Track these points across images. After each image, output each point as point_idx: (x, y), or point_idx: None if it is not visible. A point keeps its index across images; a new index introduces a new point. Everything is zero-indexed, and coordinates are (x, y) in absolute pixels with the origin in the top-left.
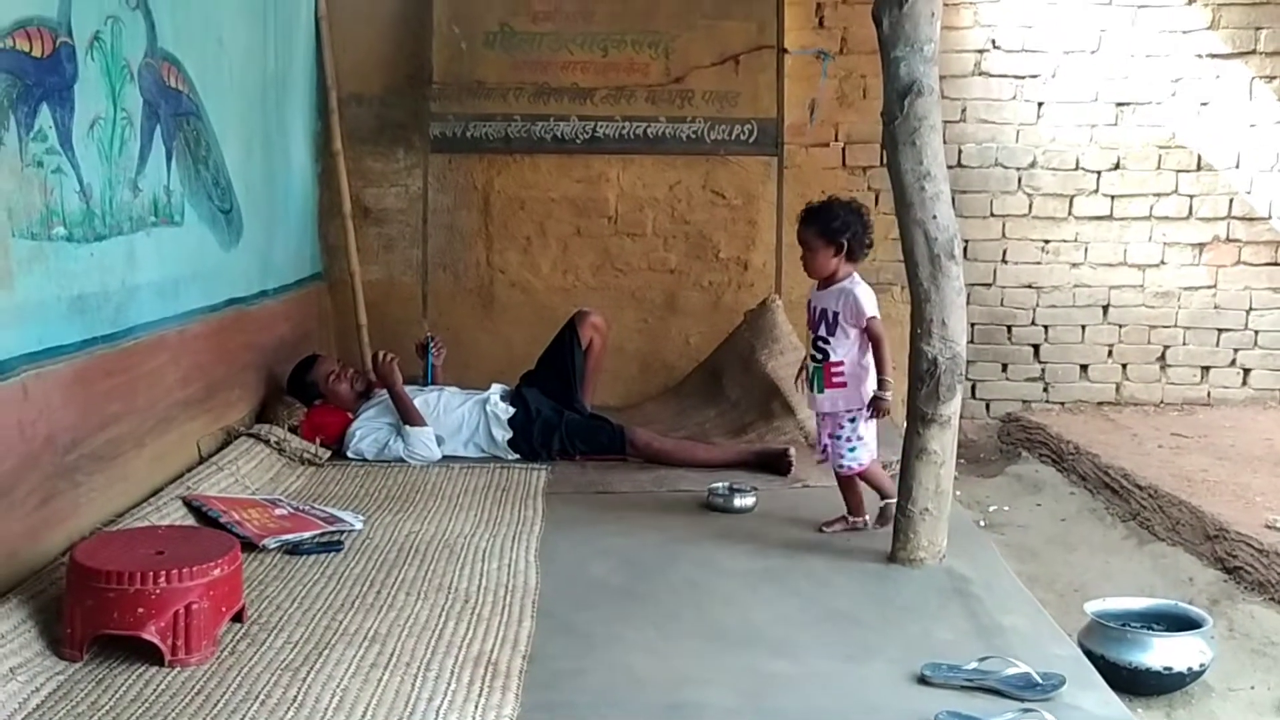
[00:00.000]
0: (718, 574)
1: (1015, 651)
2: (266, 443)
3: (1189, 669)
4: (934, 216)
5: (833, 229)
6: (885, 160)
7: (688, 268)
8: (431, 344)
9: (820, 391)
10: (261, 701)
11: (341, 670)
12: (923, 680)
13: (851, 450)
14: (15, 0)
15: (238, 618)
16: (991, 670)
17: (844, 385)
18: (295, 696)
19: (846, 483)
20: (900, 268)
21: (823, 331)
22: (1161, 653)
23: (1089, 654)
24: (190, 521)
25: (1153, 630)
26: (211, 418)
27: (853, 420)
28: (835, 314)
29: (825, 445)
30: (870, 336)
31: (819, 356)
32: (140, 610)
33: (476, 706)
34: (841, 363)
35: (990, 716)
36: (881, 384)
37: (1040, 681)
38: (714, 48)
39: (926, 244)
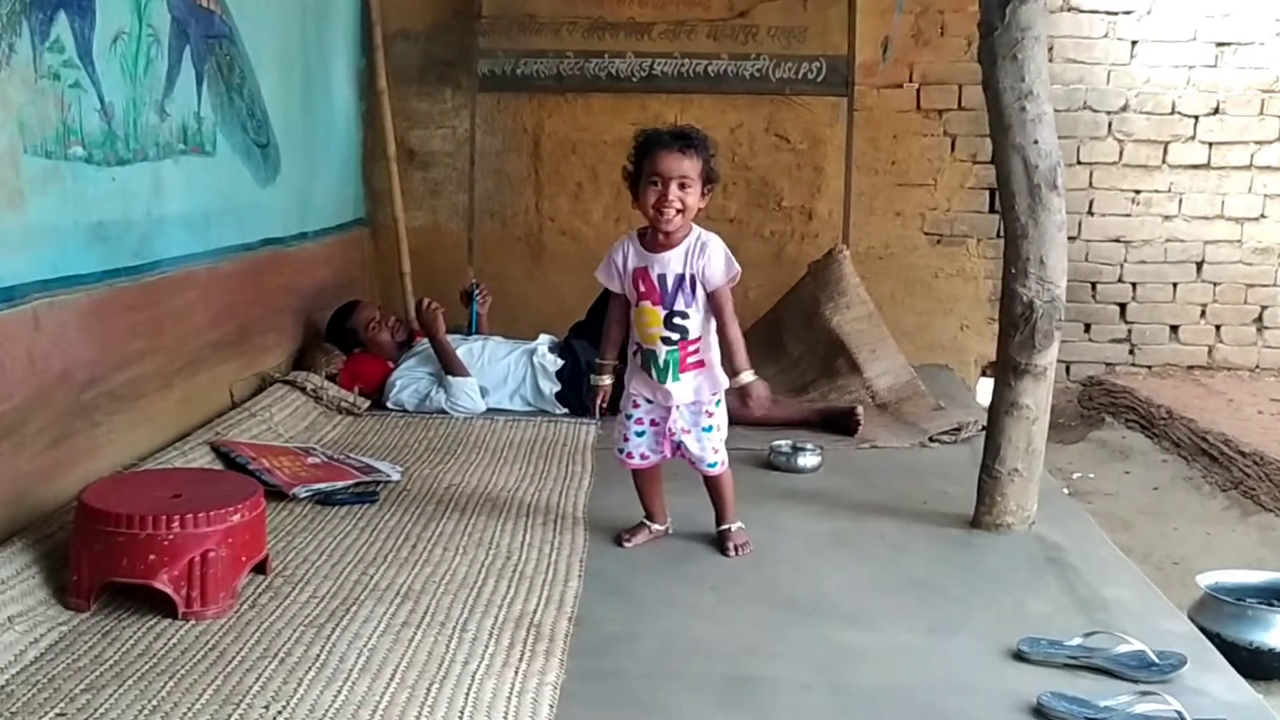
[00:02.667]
0: (782, 535)
1: (1122, 627)
2: (303, 390)
3: None
4: (1035, 141)
5: (713, 160)
6: (983, 79)
7: (748, 217)
8: (476, 291)
9: (676, 380)
10: (281, 660)
11: (370, 628)
12: (1019, 657)
13: (723, 442)
14: None
15: (260, 569)
16: (1099, 647)
17: (702, 365)
18: (318, 655)
19: (718, 482)
20: (976, 219)
21: (680, 305)
22: None
23: (1202, 632)
24: (218, 467)
25: (1274, 606)
26: (245, 362)
27: (714, 409)
28: (693, 277)
29: (676, 443)
30: (720, 303)
31: (674, 337)
32: (152, 557)
33: (516, 672)
34: (700, 338)
35: (1101, 699)
36: (736, 372)
37: (1157, 661)
38: None
39: (1025, 172)
